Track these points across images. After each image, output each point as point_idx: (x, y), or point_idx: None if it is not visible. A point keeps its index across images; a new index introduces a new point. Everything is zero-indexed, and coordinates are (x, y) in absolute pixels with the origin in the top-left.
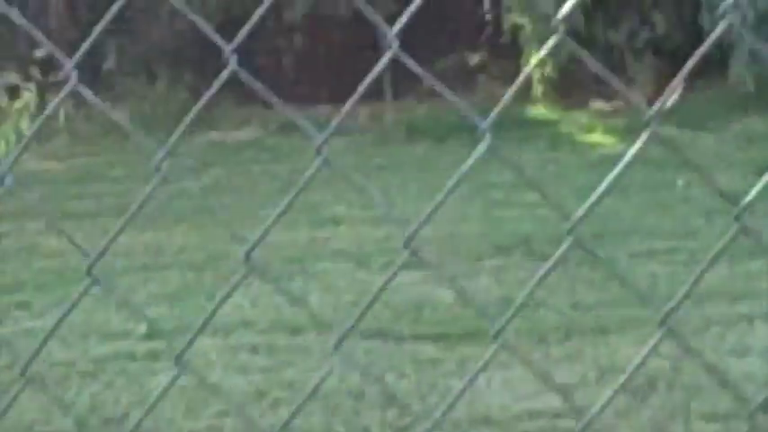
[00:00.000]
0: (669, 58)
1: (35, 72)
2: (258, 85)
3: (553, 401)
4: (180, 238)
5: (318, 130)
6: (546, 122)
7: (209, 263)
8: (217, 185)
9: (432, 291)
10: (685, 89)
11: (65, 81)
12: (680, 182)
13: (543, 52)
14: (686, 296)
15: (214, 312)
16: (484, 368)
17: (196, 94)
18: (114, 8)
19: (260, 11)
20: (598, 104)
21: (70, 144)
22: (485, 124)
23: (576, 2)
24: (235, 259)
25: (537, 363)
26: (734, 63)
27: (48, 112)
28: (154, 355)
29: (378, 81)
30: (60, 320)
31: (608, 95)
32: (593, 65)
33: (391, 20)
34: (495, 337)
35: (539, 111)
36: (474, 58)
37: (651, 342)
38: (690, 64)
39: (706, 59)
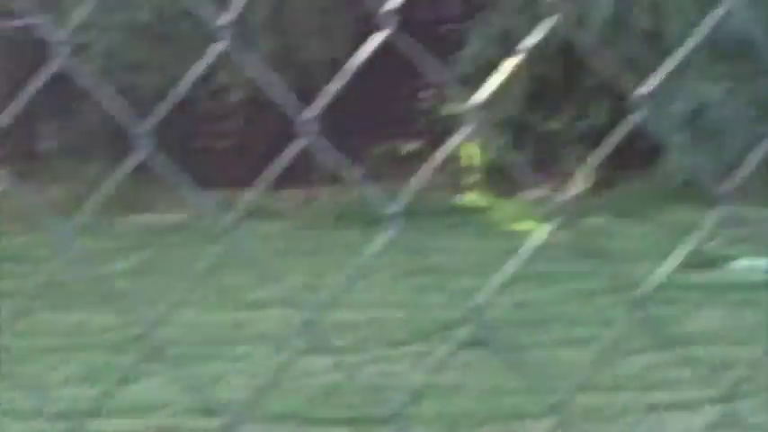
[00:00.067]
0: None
1: None
2: (167, 170)
3: None
4: (103, 319)
5: (247, 214)
6: (477, 210)
7: (130, 344)
8: (144, 267)
9: (347, 375)
10: (616, 180)
11: None
12: (609, 269)
13: (457, 140)
14: (580, 386)
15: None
16: None
17: (132, 177)
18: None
19: (175, 96)
20: (529, 193)
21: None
22: (393, 210)
23: (492, 90)
24: (156, 341)
25: None
26: (664, 154)
27: None
28: None
29: (308, 167)
30: None
31: (544, 183)
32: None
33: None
34: (391, 422)
35: (471, 198)
36: (409, 146)
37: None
38: (602, 153)
39: (637, 151)
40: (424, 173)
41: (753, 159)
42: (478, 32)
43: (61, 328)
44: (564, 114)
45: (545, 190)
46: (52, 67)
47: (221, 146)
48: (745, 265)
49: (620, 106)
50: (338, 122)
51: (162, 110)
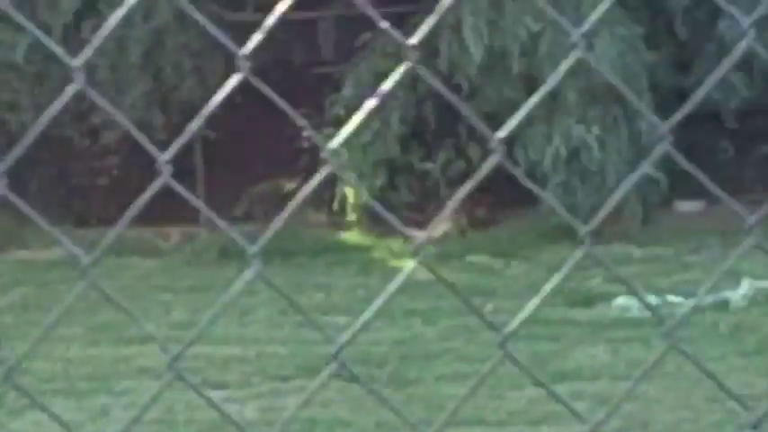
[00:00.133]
0: (481, 189)
1: None
2: (27, 209)
3: None
4: None
5: (120, 251)
6: (359, 248)
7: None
8: (23, 303)
9: (235, 409)
10: (498, 218)
11: None
12: (489, 306)
13: (314, 183)
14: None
15: None
16: None
17: (8, 210)
18: None
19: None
20: (411, 231)
21: None
22: (253, 249)
23: (349, 130)
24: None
25: None
26: (545, 193)
27: None
28: None
29: (190, 204)
30: None
31: (421, 223)
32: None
33: None
34: None
35: (352, 236)
36: (290, 185)
37: None
38: (460, 194)
39: (519, 190)
40: (286, 214)
41: (611, 202)
42: (352, 75)
43: None
44: (440, 156)
45: (420, 230)
46: None
47: (100, 183)
48: (622, 304)
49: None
50: (222, 160)
51: (17, 151)
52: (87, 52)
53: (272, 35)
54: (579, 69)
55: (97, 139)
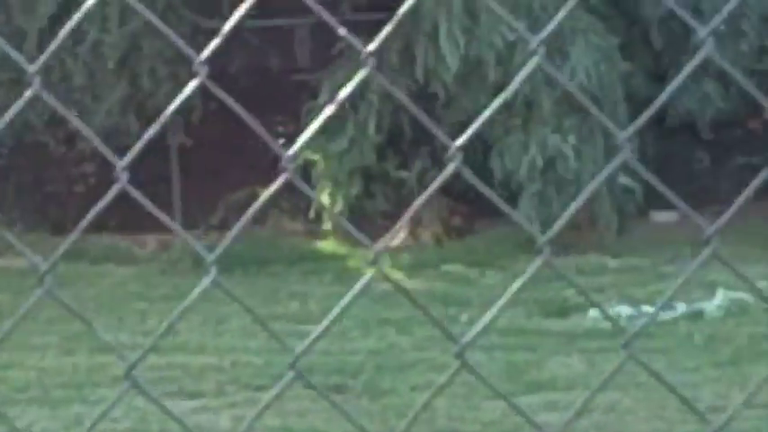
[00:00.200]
0: (457, 199)
1: None
2: None
3: None
4: None
5: (96, 259)
6: (334, 256)
7: None
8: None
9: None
10: (474, 228)
11: None
12: (464, 316)
13: (271, 190)
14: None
15: None
16: None
17: None
18: None
19: None
20: (386, 240)
21: None
22: (211, 257)
23: (306, 137)
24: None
25: None
26: (522, 203)
27: None
28: None
29: (168, 211)
30: None
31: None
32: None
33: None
34: None
35: (328, 245)
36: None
37: None
38: (417, 203)
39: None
40: (243, 222)
41: (569, 212)
42: (329, 83)
43: None
44: (416, 164)
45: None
46: None
47: (77, 190)
48: (596, 315)
49: (470, 157)
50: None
51: None
52: (42, 58)
53: (247, 43)
54: (555, 79)
55: (74, 146)
